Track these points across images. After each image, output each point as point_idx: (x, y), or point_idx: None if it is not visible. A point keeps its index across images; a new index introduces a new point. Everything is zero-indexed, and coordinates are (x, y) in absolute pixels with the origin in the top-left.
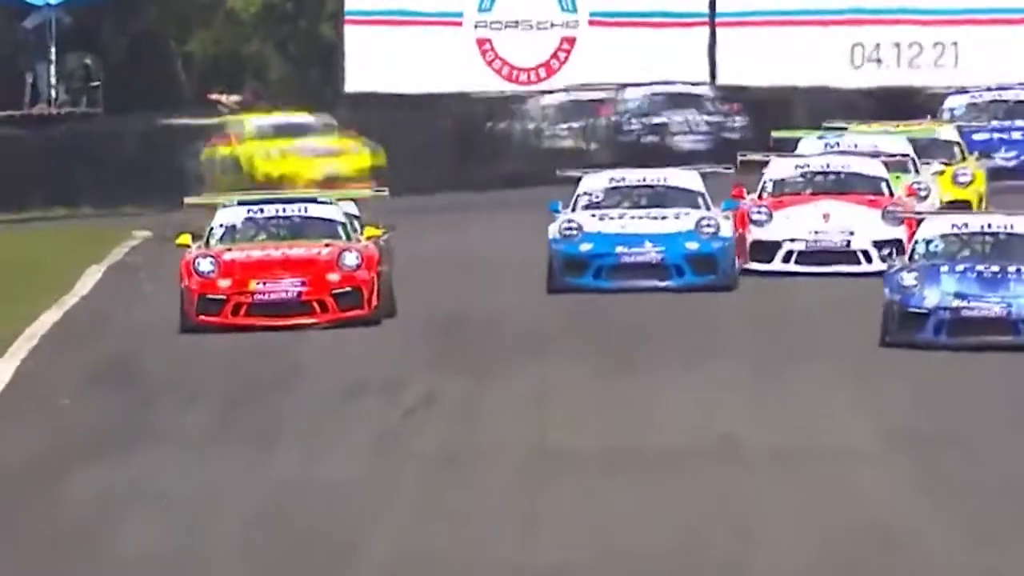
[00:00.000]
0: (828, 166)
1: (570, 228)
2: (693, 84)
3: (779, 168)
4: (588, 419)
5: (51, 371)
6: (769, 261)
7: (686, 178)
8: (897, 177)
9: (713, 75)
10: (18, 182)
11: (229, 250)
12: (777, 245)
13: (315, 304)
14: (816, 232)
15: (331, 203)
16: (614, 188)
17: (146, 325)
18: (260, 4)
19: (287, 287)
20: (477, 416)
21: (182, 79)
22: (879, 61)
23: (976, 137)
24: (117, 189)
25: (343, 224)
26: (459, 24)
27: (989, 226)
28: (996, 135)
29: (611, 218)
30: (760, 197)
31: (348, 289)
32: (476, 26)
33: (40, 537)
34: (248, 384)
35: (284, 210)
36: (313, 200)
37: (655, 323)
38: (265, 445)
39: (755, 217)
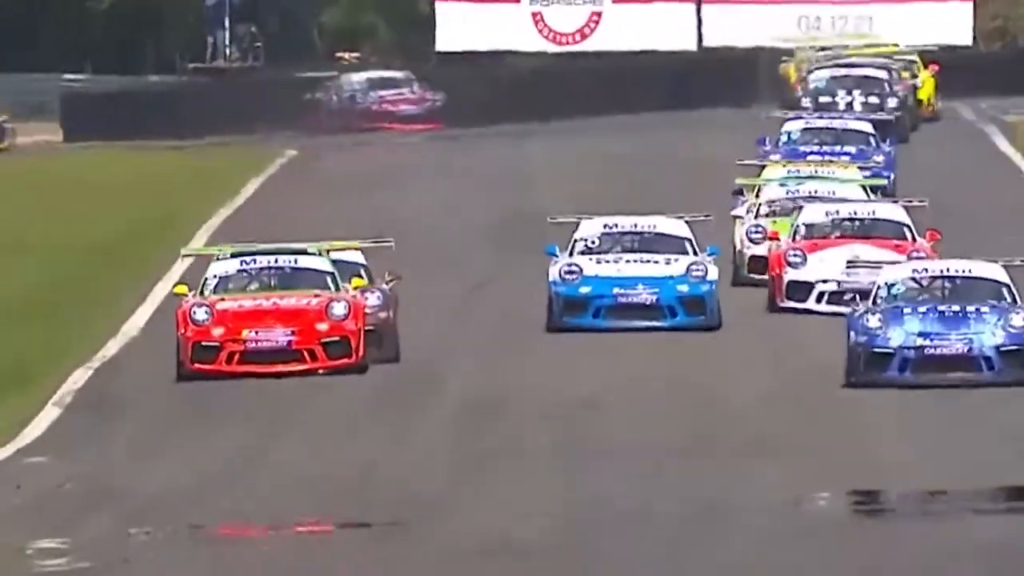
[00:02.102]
0: (856, 212)
1: (571, 271)
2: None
3: (811, 214)
4: None
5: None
6: (804, 300)
7: (674, 225)
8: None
9: (700, 40)
10: (203, 116)
11: (223, 300)
12: (811, 286)
13: (305, 352)
14: (846, 274)
15: (320, 254)
16: (608, 234)
17: (295, 219)
18: None
19: (278, 336)
20: None
21: (317, 42)
22: (818, 28)
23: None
24: (273, 121)
25: (331, 275)
26: (518, 2)
27: (948, 270)
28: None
29: (607, 262)
30: (794, 240)
31: (337, 338)
32: (531, 3)
33: None
34: None
35: (276, 261)
36: (303, 252)
37: None
38: None
39: (791, 259)
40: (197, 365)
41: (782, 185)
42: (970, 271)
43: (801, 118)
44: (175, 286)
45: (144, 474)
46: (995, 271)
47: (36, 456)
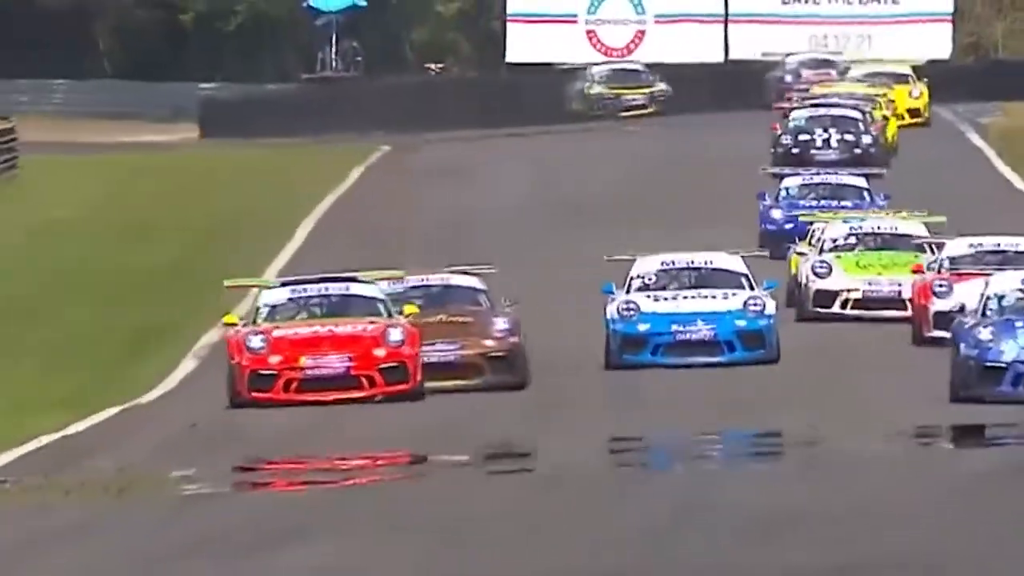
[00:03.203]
0: (999, 244)
1: (628, 309)
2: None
3: (955, 247)
4: None
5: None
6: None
7: (730, 261)
8: (916, 256)
9: (726, 54)
10: (314, 119)
11: (278, 327)
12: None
13: (363, 379)
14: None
15: (371, 282)
16: (664, 270)
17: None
18: (455, 9)
19: (336, 362)
20: None
21: (408, 55)
22: (825, 45)
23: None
24: (372, 123)
25: (383, 302)
26: (575, 22)
27: None
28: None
29: (665, 298)
30: (939, 272)
31: (394, 364)
32: (586, 23)
33: None
34: None
35: (326, 289)
36: (353, 279)
37: None
38: None
39: (937, 290)
40: (254, 394)
41: (845, 222)
42: None
43: (799, 174)
44: (224, 316)
45: (263, 418)
46: None
47: (175, 400)
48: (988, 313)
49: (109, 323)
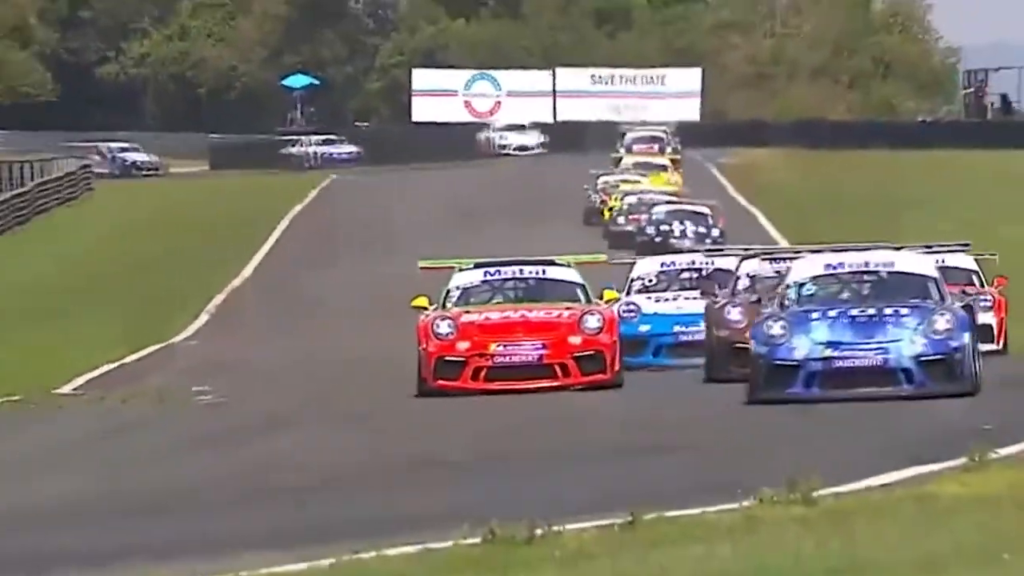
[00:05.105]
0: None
1: (629, 310)
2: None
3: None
4: None
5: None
6: None
7: (728, 262)
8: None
9: (555, 116)
10: (285, 158)
11: (467, 312)
12: None
13: (557, 367)
14: None
15: (568, 265)
16: (664, 272)
17: None
18: (379, 87)
19: (528, 350)
20: None
21: (347, 116)
22: (618, 113)
23: None
24: (323, 161)
25: (582, 286)
26: (456, 95)
27: (867, 264)
28: None
29: (666, 300)
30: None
31: (590, 352)
32: (463, 96)
33: None
34: None
35: (521, 272)
36: (551, 262)
37: None
38: None
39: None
40: (441, 382)
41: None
42: (893, 264)
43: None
44: (415, 298)
45: (254, 354)
46: (923, 264)
47: (192, 342)
48: (786, 303)
49: (150, 290)
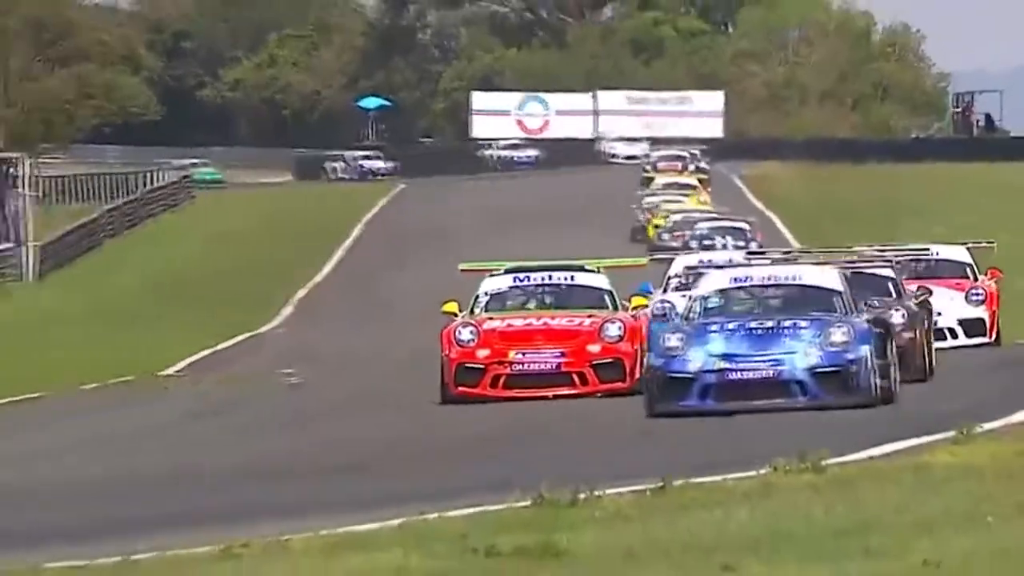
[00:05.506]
0: (921, 255)
1: (663, 307)
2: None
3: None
4: None
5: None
6: None
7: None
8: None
9: (595, 131)
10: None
11: (490, 319)
12: None
13: (575, 375)
14: None
15: (597, 271)
16: (696, 270)
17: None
18: (442, 108)
19: (547, 358)
20: None
21: (414, 133)
22: (649, 127)
23: None
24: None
25: (609, 293)
26: (509, 115)
27: (773, 278)
28: None
29: None
30: None
31: (609, 360)
32: (515, 116)
33: None
34: None
35: (550, 277)
36: (581, 268)
37: None
38: None
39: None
40: (461, 388)
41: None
42: (799, 277)
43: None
44: (445, 303)
45: (331, 342)
46: (830, 278)
47: (279, 330)
48: (691, 316)
49: (242, 285)
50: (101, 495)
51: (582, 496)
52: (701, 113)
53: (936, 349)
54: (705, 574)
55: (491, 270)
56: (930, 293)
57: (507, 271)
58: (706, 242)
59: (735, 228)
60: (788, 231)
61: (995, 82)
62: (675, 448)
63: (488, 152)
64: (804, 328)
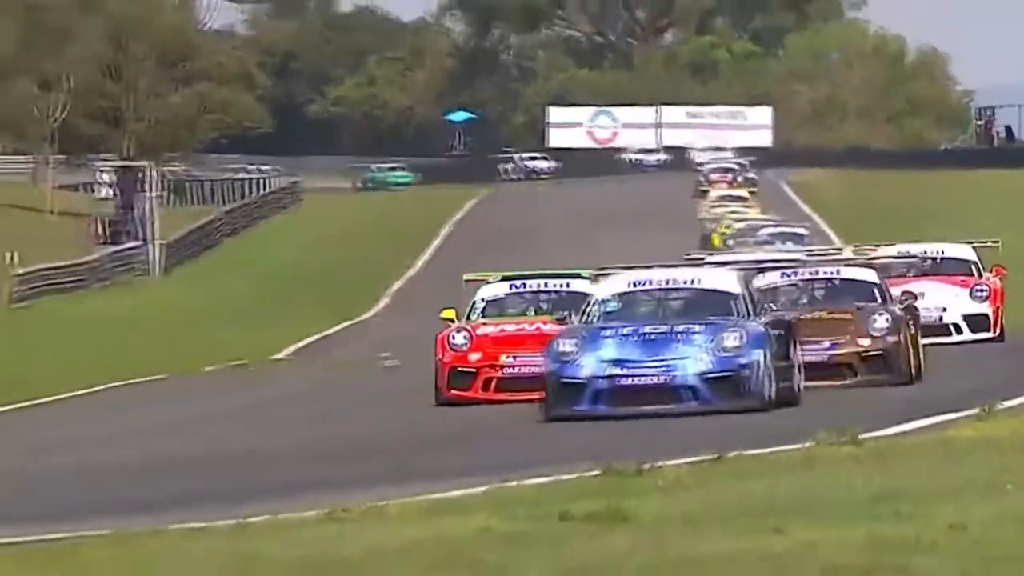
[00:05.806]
0: (926, 252)
1: None
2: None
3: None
4: None
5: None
6: None
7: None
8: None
9: (658, 142)
10: (447, 173)
11: (484, 324)
12: None
13: None
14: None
15: (590, 279)
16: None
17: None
18: (521, 122)
19: (537, 361)
20: None
21: (497, 143)
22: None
23: None
24: (478, 178)
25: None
26: (581, 126)
27: (672, 282)
28: None
29: None
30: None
31: None
32: (586, 128)
33: None
34: None
35: (546, 285)
36: (576, 275)
37: None
38: None
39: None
40: (453, 391)
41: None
42: (698, 281)
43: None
44: (443, 311)
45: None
46: (728, 282)
47: (376, 319)
48: (589, 320)
49: (344, 278)
50: (221, 466)
51: (646, 466)
52: (753, 126)
53: (940, 344)
54: (757, 535)
55: (491, 279)
56: (915, 297)
57: (503, 278)
58: (767, 247)
59: (794, 234)
60: (831, 230)
61: (1015, 96)
62: (721, 425)
63: (510, 166)
64: (697, 333)
